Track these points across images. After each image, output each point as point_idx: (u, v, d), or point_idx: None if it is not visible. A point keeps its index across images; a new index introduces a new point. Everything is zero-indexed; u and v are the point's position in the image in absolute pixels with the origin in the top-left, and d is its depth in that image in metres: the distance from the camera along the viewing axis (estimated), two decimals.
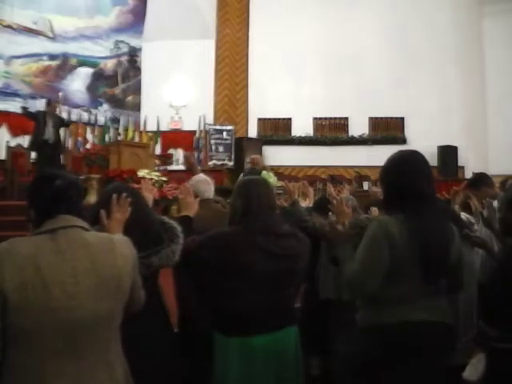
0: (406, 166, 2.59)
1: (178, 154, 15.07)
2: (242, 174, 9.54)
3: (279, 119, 15.63)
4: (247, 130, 15.77)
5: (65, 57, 14.33)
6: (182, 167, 13.80)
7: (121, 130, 15.15)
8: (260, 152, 14.98)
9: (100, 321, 1.86)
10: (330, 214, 3.06)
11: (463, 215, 4.73)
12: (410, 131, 14.71)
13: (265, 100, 15.32)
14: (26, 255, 1.77)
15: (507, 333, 2.44)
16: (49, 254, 1.80)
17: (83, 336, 1.82)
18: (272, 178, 9.26)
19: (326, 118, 15.43)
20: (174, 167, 13.53)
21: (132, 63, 15.95)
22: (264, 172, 9.45)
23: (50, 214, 1.90)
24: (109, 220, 2.31)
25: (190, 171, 10.01)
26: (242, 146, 14.86)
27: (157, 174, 9.92)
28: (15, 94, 13.19)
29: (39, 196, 1.95)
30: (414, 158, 2.64)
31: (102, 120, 14.86)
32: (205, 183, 3.92)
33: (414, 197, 2.51)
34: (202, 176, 4.20)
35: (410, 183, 2.53)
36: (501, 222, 2.76)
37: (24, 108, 10.26)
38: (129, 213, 2.38)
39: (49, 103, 10.27)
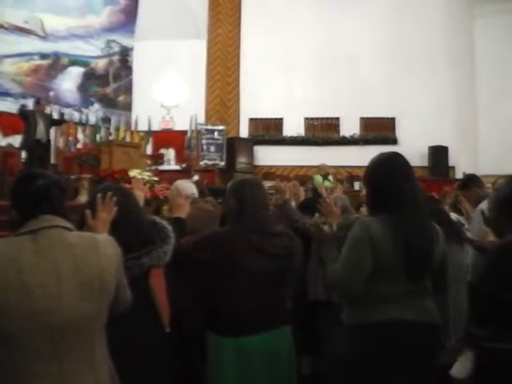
0: (387, 167, 2.63)
1: (170, 153, 15.06)
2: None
3: (271, 119, 15.63)
4: (239, 130, 15.75)
5: (56, 56, 14.27)
6: (173, 167, 13.81)
7: (112, 130, 15.10)
8: (251, 152, 15.00)
9: (84, 322, 1.84)
10: (316, 214, 3.07)
11: (453, 216, 4.78)
12: (401, 131, 14.74)
13: (256, 100, 15.30)
14: (7, 257, 1.75)
15: (495, 332, 2.45)
16: (30, 256, 1.77)
17: (67, 338, 1.79)
18: (326, 182, 11.56)
19: (317, 118, 15.45)
20: (165, 167, 13.51)
21: (123, 63, 15.90)
22: (317, 176, 12.13)
23: (31, 214, 1.87)
24: (94, 220, 2.30)
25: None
26: (233, 145, 14.86)
27: (148, 173, 9.89)
28: (6, 94, 13.12)
29: (21, 196, 1.93)
30: (395, 159, 2.68)
31: (93, 120, 14.79)
32: (190, 187, 3.94)
33: (396, 197, 2.54)
34: (185, 181, 4.25)
35: (392, 184, 2.57)
36: (492, 222, 2.78)
37: (22, 106, 10.12)
38: (115, 212, 2.37)
39: (38, 102, 10.20)
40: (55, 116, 12.01)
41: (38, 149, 9.63)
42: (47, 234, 1.84)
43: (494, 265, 2.56)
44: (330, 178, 12.10)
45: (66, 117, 13.24)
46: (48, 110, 10.53)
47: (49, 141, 10.10)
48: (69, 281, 1.80)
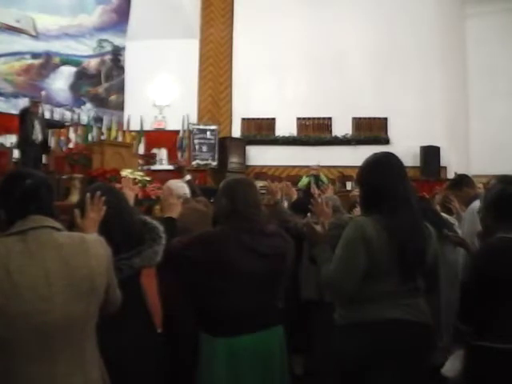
0: (381, 168, 2.64)
1: (162, 153, 15.01)
2: None
3: (263, 119, 15.59)
4: (231, 129, 15.72)
5: (48, 55, 14.18)
6: (165, 167, 13.77)
7: (104, 130, 15.02)
8: (243, 152, 14.99)
9: (74, 323, 1.83)
10: (308, 214, 3.07)
11: (443, 215, 4.80)
12: (393, 131, 14.74)
13: (249, 100, 15.28)
14: None
15: (481, 331, 2.47)
16: (19, 257, 1.76)
17: (58, 339, 1.79)
18: (306, 180, 12.20)
19: (309, 118, 15.43)
20: (157, 167, 13.47)
21: (115, 62, 15.82)
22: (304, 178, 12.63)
23: (20, 215, 1.86)
24: (83, 219, 2.29)
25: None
26: (225, 145, 14.83)
27: (140, 173, 9.85)
28: None
29: (9, 196, 1.90)
30: (388, 159, 2.69)
31: (84, 119, 14.72)
32: (182, 187, 3.95)
33: (390, 197, 2.55)
34: (177, 181, 4.25)
35: (385, 184, 2.57)
36: (481, 222, 2.79)
37: (24, 109, 9.95)
38: (104, 212, 2.36)
39: (34, 103, 10.12)
40: (47, 116, 11.94)
41: (33, 149, 9.57)
42: (36, 234, 1.83)
43: (477, 265, 2.58)
44: (323, 178, 12.20)
45: (55, 116, 13.18)
46: (40, 109, 10.44)
47: (46, 142, 10.04)
48: (58, 281, 1.79)
